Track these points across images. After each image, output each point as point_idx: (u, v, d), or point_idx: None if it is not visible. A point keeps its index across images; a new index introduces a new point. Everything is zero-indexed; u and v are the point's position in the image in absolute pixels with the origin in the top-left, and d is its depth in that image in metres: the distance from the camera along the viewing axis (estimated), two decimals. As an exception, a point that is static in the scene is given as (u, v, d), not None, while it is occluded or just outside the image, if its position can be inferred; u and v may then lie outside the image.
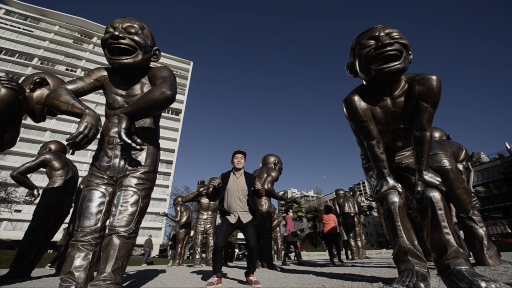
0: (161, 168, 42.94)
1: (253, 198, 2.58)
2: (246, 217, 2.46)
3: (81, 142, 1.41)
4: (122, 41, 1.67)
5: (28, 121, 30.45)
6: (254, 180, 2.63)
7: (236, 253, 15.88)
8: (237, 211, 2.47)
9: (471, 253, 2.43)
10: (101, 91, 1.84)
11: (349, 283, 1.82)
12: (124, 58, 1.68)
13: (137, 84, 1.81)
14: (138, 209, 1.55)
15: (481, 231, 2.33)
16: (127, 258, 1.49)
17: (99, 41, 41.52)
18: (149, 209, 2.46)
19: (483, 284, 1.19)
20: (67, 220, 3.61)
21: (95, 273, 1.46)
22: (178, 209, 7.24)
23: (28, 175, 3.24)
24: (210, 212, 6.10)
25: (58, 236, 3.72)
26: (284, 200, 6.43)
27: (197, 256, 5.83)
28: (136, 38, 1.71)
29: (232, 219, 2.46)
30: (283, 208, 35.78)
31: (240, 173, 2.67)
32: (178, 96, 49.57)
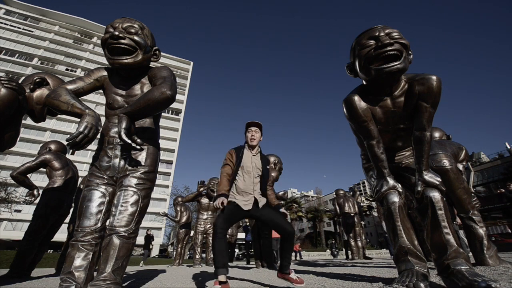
0: (161, 168, 42.93)
1: (265, 181, 2.17)
2: (262, 200, 2.06)
3: (81, 142, 1.40)
4: (122, 41, 1.66)
5: (28, 121, 30.44)
6: (268, 163, 2.24)
7: (236, 253, 15.88)
8: (253, 194, 2.03)
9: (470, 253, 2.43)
10: (101, 91, 1.84)
11: (349, 283, 1.82)
12: (124, 58, 1.68)
13: (137, 84, 1.81)
14: (138, 209, 1.55)
15: (481, 231, 2.33)
16: (127, 258, 1.49)
17: (99, 41, 41.55)
18: (149, 209, 2.44)
19: (483, 284, 1.19)
20: (67, 220, 3.61)
21: (95, 273, 1.46)
22: (178, 209, 7.23)
23: (28, 175, 3.24)
24: (210, 212, 6.09)
25: (58, 236, 3.72)
26: (284, 200, 6.44)
27: (197, 256, 5.83)
28: (136, 38, 1.71)
29: (246, 204, 1.98)
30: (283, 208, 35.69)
31: (256, 150, 2.21)
32: (178, 96, 49.56)
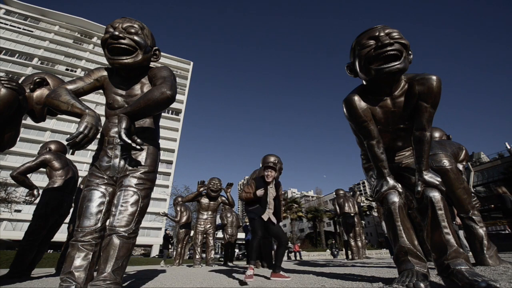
0: (161, 168, 42.92)
1: (278, 203, 3.03)
2: (273, 219, 2.89)
3: (81, 142, 1.40)
4: (122, 41, 1.66)
5: (28, 121, 30.42)
6: (279, 188, 3.11)
7: (236, 253, 15.88)
8: (268, 213, 2.87)
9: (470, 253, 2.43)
10: (101, 91, 1.84)
11: (349, 283, 1.82)
12: (124, 58, 1.68)
13: (137, 84, 1.81)
14: (138, 209, 1.55)
15: (481, 231, 2.32)
16: (127, 258, 1.49)
17: (99, 41, 41.59)
18: (149, 209, 2.45)
19: (483, 284, 1.19)
20: (67, 220, 3.61)
21: (95, 273, 1.46)
22: (178, 209, 7.23)
23: (28, 175, 3.24)
24: (210, 212, 6.09)
25: (58, 236, 3.71)
26: (283, 200, 6.45)
27: (197, 256, 5.82)
28: (136, 38, 1.71)
29: (265, 216, 2.84)
30: (283, 208, 35.77)
31: (272, 185, 3.02)
32: (178, 96, 49.55)
